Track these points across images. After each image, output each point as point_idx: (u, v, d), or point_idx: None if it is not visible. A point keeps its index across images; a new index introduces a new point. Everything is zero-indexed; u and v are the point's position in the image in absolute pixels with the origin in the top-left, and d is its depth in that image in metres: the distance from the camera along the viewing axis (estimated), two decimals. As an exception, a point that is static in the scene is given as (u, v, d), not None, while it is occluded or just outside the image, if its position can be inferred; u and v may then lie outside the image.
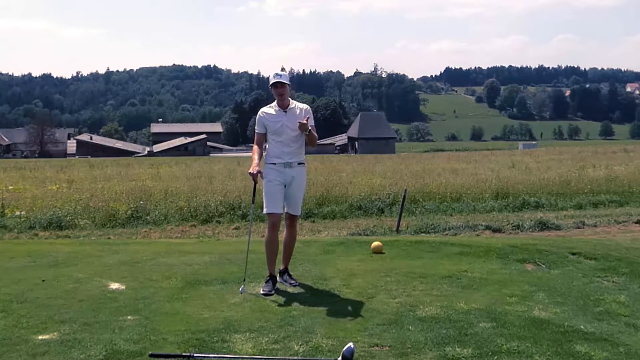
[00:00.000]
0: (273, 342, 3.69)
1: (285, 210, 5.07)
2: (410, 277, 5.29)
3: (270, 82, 4.96)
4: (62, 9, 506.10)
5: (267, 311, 4.33)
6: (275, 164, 4.94)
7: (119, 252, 6.62)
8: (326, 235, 9.47)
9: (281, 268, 5.18)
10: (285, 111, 4.95)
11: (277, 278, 5.07)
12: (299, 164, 5.00)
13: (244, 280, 5.00)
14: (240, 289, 4.83)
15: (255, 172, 4.81)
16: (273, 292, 4.83)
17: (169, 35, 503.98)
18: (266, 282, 4.94)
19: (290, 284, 5.06)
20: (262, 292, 4.81)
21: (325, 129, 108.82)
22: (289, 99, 5.02)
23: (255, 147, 5.00)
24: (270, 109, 5.03)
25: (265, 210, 4.95)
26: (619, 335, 3.81)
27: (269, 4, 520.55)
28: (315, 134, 5.04)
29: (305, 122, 4.86)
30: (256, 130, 5.06)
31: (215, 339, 3.72)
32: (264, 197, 4.96)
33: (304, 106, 5.08)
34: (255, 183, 4.98)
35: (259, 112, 5.07)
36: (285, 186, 4.95)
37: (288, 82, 4.95)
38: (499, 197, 14.31)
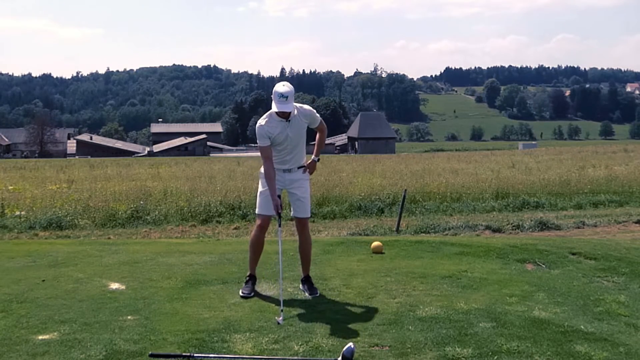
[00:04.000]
0: (273, 342, 3.69)
1: (294, 215, 4.92)
2: (410, 277, 5.29)
3: (274, 109, 4.56)
4: (62, 9, 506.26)
5: (267, 311, 4.32)
6: (274, 168, 4.77)
7: (119, 252, 6.61)
8: (326, 235, 9.46)
9: (302, 276, 4.98)
10: (289, 121, 4.67)
11: (300, 286, 4.94)
12: (298, 167, 4.86)
13: (281, 311, 4.23)
14: (279, 320, 4.09)
15: (276, 210, 4.61)
16: (252, 293, 4.74)
17: (169, 35, 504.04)
18: (245, 283, 4.84)
19: (311, 293, 4.77)
20: (241, 294, 4.72)
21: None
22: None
23: (268, 164, 4.64)
24: (272, 120, 4.67)
25: (257, 211, 4.89)
26: (619, 335, 3.81)
27: (268, 4, 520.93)
28: (325, 132, 5.01)
29: (309, 169, 4.88)
30: (262, 144, 4.67)
31: (215, 339, 3.72)
32: (258, 198, 4.86)
33: (306, 109, 4.79)
34: (280, 214, 4.67)
35: (259, 126, 4.68)
36: (281, 189, 4.81)
37: (293, 103, 4.58)
38: (499, 197, 14.32)
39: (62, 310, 4.36)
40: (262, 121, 4.74)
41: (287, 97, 4.53)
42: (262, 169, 4.81)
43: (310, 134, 4.96)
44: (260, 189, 4.87)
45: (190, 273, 5.51)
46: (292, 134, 4.70)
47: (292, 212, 4.95)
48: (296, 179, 4.85)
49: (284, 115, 4.64)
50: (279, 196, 4.74)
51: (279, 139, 4.68)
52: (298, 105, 4.80)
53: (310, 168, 4.95)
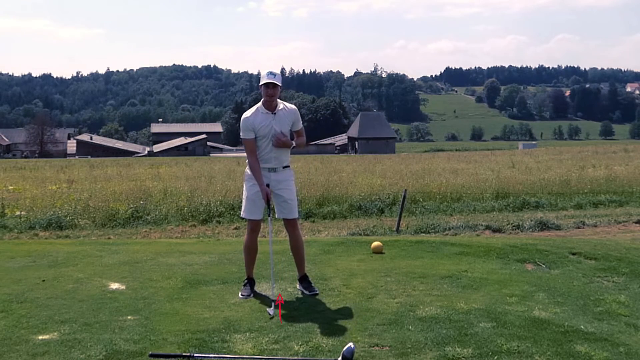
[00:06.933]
0: (273, 342, 3.69)
1: (282, 217, 4.89)
2: (410, 277, 5.29)
3: (262, 82, 4.62)
4: (62, 9, 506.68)
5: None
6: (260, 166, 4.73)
7: (119, 252, 6.61)
8: (326, 235, 9.46)
9: (298, 275, 4.99)
10: (274, 113, 4.69)
11: (298, 286, 4.95)
12: (283, 167, 4.82)
13: (273, 302, 4.44)
14: (270, 311, 4.27)
15: (265, 197, 4.63)
16: (252, 295, 4.76)
17: (169, 35, 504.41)
18: (244, 286, 4.87)
19: (310, 292, 4.79)
20: (240, 296, 4.74)
21: (325, 129, 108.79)
22: (277, 99, 4.75)
23: (253, 158, 4.70)
24: (257, 112, 4.70)
25: (243, 215, 4.91)
26: (619, 335, 3.81)
27: (267, 4, 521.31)
28: (304, 137, 4.93)
29: (285, 139, 4.69)
30: (246, 137, 4.70)
31: (215, 339, 3.72)
32: (244, 201, 4.86)
33: (292, 107, 4.83)
34: (269, 203, 4.69)
35: (245, 118, 4.72)
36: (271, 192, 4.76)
37: (280, 84, 4.63)
38: (499, 197, 14.31)
39: (62, 310, 4.36)
40: (247, 114, 4.78)
41: (275, 74, 4.66)
42: (247, 170, 4.81)
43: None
44: (245, 193, 4.86)
45: (190, 273, 5.52)
46: (278, 128, 4.69)
47: (277, 214, 4.91)
48: (282, 179, 4.81)
49: (270, 107, 4.69)
50: (268, 185, 4.71)
51: (263, 131, 4.68)
52: (285, 102, 4.87)
53: (279, 140, 4.68)
